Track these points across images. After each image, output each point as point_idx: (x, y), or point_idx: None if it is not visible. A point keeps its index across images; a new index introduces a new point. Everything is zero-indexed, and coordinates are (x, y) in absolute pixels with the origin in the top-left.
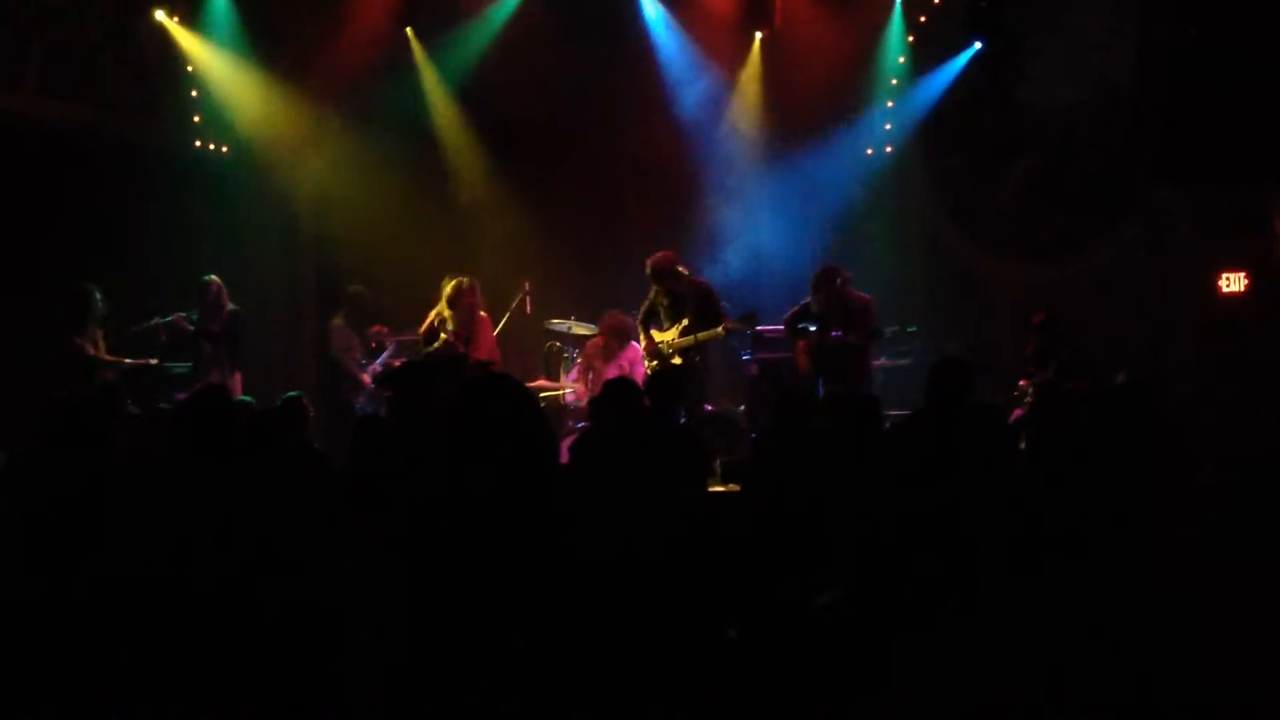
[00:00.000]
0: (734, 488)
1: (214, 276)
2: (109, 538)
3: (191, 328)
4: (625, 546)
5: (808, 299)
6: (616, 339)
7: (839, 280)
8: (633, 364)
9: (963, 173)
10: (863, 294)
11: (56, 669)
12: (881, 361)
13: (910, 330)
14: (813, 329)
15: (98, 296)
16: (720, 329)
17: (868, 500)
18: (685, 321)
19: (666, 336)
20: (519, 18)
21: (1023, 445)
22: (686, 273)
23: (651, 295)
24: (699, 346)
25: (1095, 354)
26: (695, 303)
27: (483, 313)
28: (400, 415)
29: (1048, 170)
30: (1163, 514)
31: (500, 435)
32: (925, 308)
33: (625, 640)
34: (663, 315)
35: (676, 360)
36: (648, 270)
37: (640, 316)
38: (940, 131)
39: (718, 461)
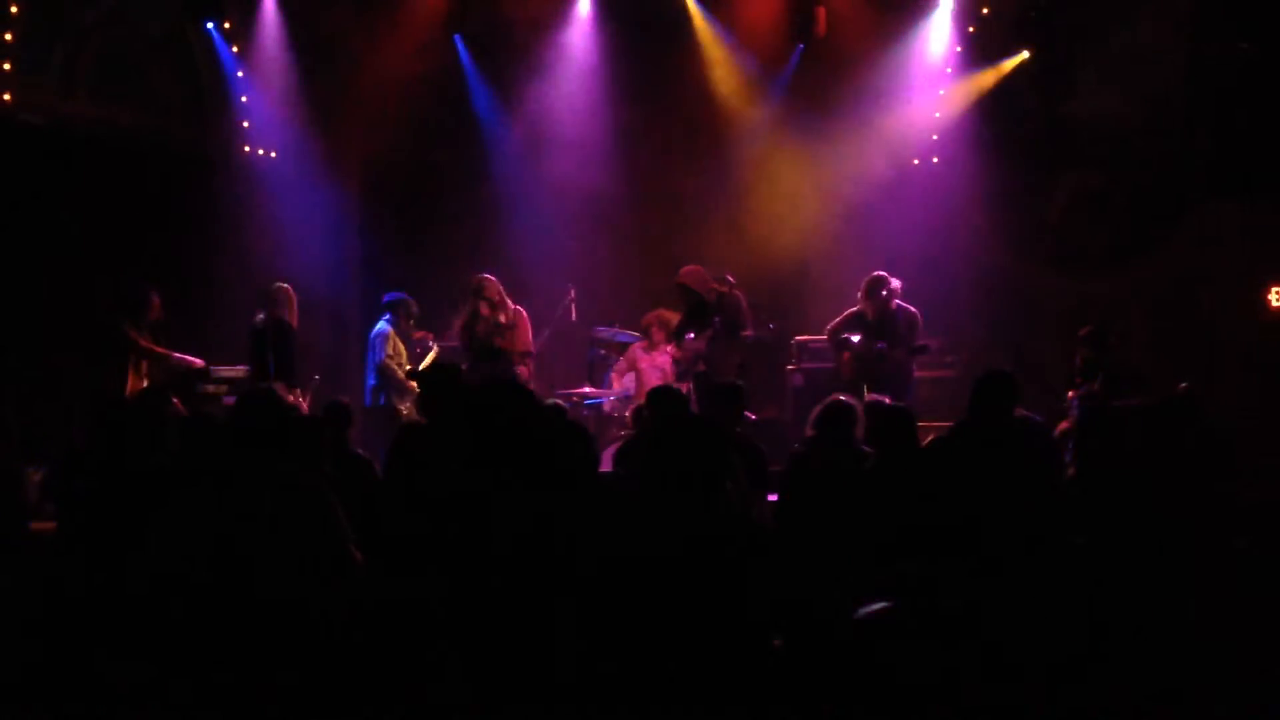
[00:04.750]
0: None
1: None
2: (155, 540)
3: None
4: (668, 554)
5: (853, 308)
6: (661, 330)
7: (885, 291)
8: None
9: (1011, 185)
10: (909, 306)
11: (101, 668)
12: (925, 373)
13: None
14: (855, 339)
15: (154, 299)
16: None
17: (909, 513)
18: (710, 331)
19: (695, 345)
20: (564, 23)
21: (1069, 458)
22: (716, 285)
23: (684, 307)
24: (735, 356)
25: (1142, 367)
26: (722, 313)
27: (517, 306)
28: (430, 414)
29: (1096, 183)
30: (1210, 529)
31: (515, 440)
32: (971, 320)
33: (667, 646)
34: (692, 325)
35: (700, 368)
36: (677, 282)
37: (674, 327)
38: (988, 143)
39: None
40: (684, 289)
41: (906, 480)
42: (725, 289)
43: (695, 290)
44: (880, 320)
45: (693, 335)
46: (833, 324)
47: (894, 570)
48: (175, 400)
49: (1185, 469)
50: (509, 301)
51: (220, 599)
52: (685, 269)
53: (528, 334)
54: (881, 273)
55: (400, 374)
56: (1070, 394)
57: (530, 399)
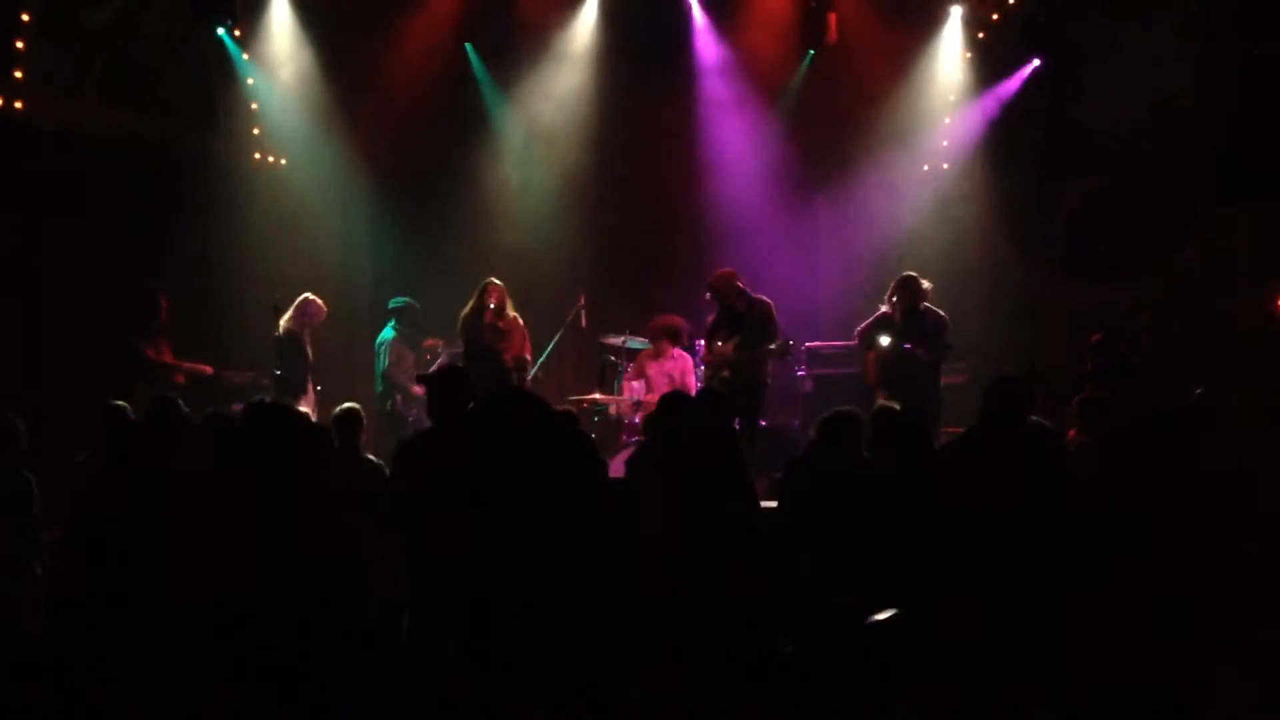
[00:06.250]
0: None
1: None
2: (167, 547)
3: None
4: (679, 559)
5: (882, 309)
6: (665, 338)
7: (914, 292)
8: (684, 374)
9: (1021, 191)
10: (938, 309)
11: (114, 675)
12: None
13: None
14: (884, 342)
15: (163, 303)
16: (772, 347)
17: (917, 519)
18: (739, 338)
19: (724, 350)
20: (576, 32)
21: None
22: (746, 290)
23: (716, 309)
24: (756, 362)
25: (1152, 374)
26: (750, 320)
27: (514, 314)
28: (437, 420)
29: (1106, 189)
30: (1222, 534)
31: (519, 449)
32: (982, 326)
33: (680, 652)
34: (721, 330)
35: (725, 374)
36: (708, 286)
37: (707, 329)
38: (998, 149)
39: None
40: (712, 292)
41: (916, 487)
42: (755, 297)
43: (724, 295)
44: (907, 322)
45: (721, 343)
46: (862, 325)
47: (903, 577)
48: (185, 408)
49: (1199, 474)
50: (508, 308)
51: (237, 605)
52: (718, 272)
53: (524, 342)
54: (911, 273)
55: (405, 379)
56: (1076, 400)
57: (540, 406)
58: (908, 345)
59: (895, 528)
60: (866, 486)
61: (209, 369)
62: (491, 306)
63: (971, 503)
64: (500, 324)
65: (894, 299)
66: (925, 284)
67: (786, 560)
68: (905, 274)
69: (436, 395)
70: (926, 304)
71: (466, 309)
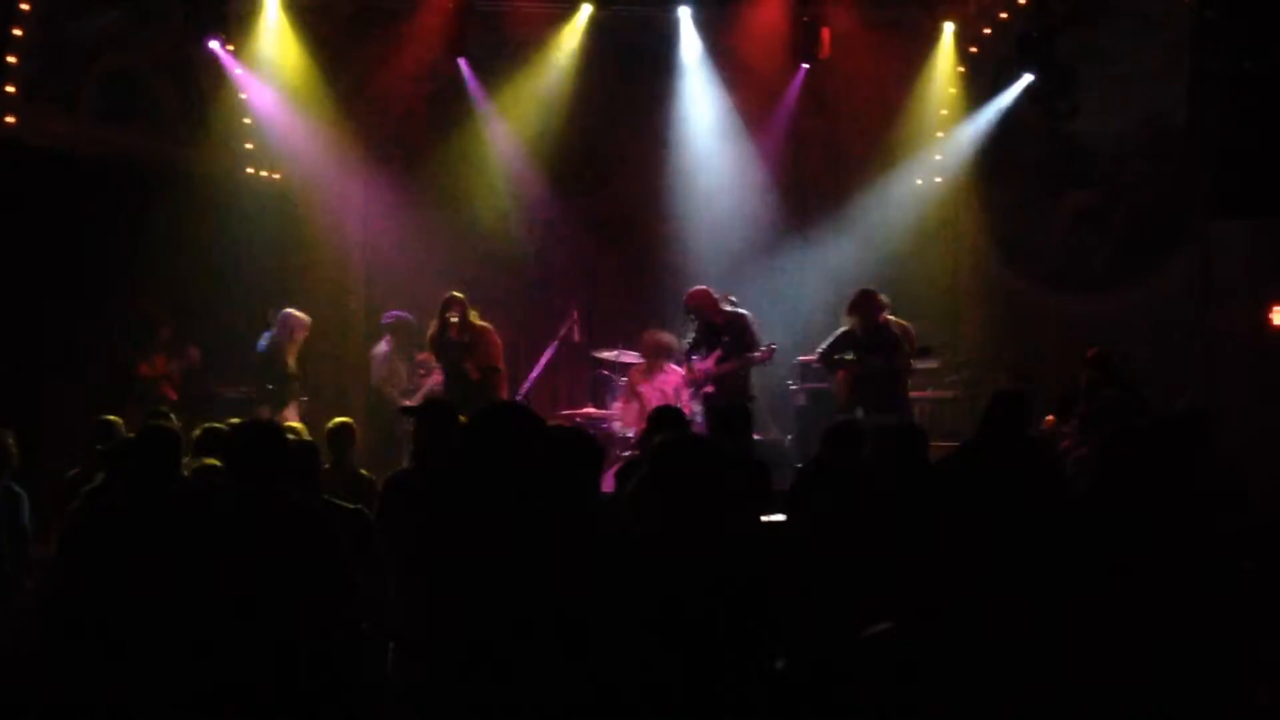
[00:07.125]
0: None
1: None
2: (158, 564)
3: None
4: (666, 574)
5: (842, 328)
6: (655, 357)
7: (873, 305)
8: (677, 389)
9: (1013, 205)
10: (900, 320)
11: (106, 691)
12: (927, 393)
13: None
14: (850, 357)
15: (164, 327)
16: (754, 355)
17: (916, 532)
18: (719, 351)
19: (704, 365)
20: (569, 48)
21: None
22: (723, 304)
23: (694, 327)
24: (744, 377)
25: (1145, 388)
26: (730, 333)
27: (482, 322)
28: (423, 447)
29: (1099, 203)
30: (1216, 549)
31: (511, 464)
32: (974, 340)
33: (673, 670)
34: (702, 346)
35: (708, 389)
36: (686, 304)
37: (686, 348)
38: (991, 163)
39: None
40: (692, 310)
41: (916, 499)
42: (732, 310)
43: (704, 311)
44: (870, 336)
45: (698, 357)
46: (823, 346)
47: (900, 590)
48: (177, 422)
49: (1192, 489)
50: (473, 320)
51: (220, 625)
52: (692, 290)
53: (492, 350)
54: (868, 288)
55: (396, 395)
56: (1049, 419)
57: (530, 422)
58: (878, 359)
59: (895, 540)
60: (871, 496)
61: (195, 350)
62: (454, 321)
63: (970, 516)
64: (465, 337)
65: (854, 315)
66: (883, 297)
67: (786, 574)
68: (862, 289)
69: (424, 430)
70: (887, 315)
71: (431, 328)
